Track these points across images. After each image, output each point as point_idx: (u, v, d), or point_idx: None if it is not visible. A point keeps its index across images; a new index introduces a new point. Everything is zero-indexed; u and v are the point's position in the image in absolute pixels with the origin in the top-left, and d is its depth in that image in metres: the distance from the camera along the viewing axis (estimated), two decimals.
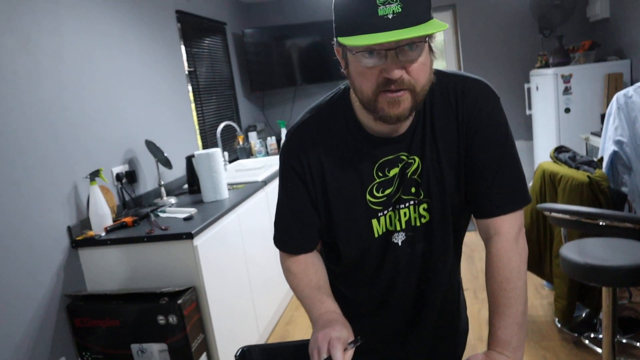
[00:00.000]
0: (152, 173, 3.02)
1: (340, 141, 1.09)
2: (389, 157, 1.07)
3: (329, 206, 1.11)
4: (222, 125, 3.77)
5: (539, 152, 4.72)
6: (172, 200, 2.92)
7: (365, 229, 1.11)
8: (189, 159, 3.10)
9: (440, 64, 5.31)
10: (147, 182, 2.99)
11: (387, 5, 0.85)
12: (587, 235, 2.47)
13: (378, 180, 1.08)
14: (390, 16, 0.85)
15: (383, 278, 1.17)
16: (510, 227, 1.09)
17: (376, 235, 1.12)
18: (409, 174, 1.08)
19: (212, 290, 2.32)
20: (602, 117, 3.74)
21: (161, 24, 3.36)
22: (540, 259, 2.96)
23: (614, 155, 3.02)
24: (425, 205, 1.10)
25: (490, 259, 1.10)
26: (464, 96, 1.07)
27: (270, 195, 3.34)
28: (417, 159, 1.08)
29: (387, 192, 1.09)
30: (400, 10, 0.86)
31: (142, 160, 2.94)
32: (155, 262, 2.27)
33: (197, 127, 3.80)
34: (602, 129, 3.68)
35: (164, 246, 2.25)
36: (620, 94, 3.07)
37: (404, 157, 1.08)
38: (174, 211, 2.63)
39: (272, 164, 3.90)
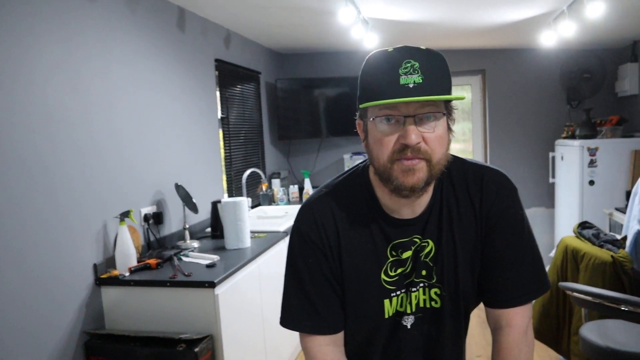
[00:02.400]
0: (177, 215, 3.09)
1: (357, 217, 1.09)
2: (402, 240, 1.08)
3: (342, 283, 1.10)
4: (248, 171, 3.85)
5: (560, 220, 4.70)
6: (195, 244, 2.96)
7: (376, 309, 1.10)
8: (215, 205, 3.16)
9: (466, 126, 5.38)
10: (172, 224, 3.05)
11: (409, 76, 0.91)
12: (607, 316, 2.44)
13: (391, 259, 1.08)
14: (411, 85, 0.91)
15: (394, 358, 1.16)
16: (522, 319, 1.11)
17: (386, 315, 1.11)
18: (422, 256, 1.09)
19: (228, 340, 2.33)
20: (627, 193, 3.74)
21: (200, 70, 3.49)
22: (559, 333, 2.92)
23: (638, 235, 3.01)
24: (437, 290, 1.10)
25: (499, 350, 1.11)
26: (484, 186, 1.09)
27: None
28: (430, 242, 1.08)
29: (399, 271, 1.09)
30: (421, 81, 0.91)
31: (170, 202, 3.01)
32: (175, 307, 2.29)
33: (224, 170, 3.88)
34: (626, 205, 3.67)
35: (186, 292, 2.28)
36: None
37: (417, 240, 1.08)
38: (197, 256, 2.67)
39: (294, 213, 3.93)
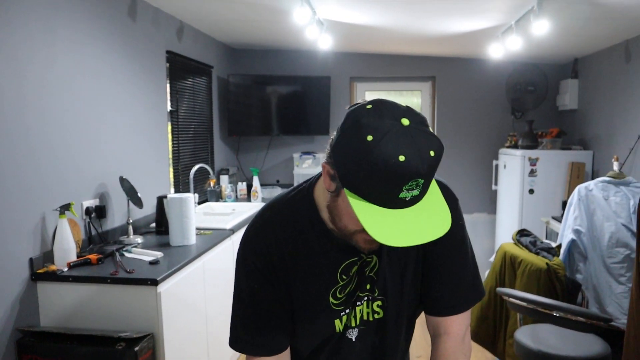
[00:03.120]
0: (121, 209, 3.00)
1: (304, 242, 1.06)
2: (352, 259, 1.07)
3: (291, 306, 1.09)
4: (196, 167, 3.79)
5: (501, 226, 4.87)
6: (139, 239, 2.89)
7: (327, 328, 1.11)
8: (160, 200, 3.09)
9: None
10: (115, 218, 2.96)
11: (410, 191, 0.83)
12: (541, 320, 2.55)
13: (342, 283, 1.08)
14: (407, 199, 0.84)
15: None
16: (459, 327, 1.14)
17: (337, 331, 1.12)
18: (367, 271, 1.09)
19: (169, 338, 2.29)
20: (564, 203, 3.91)
21: (151, 61, 3.41)
22: (495, 336, 3.02)
23: (572, 244, 3.16)
24: (379, 302, 1.11)
25: (436, 357, 1.14)
26: None
27: (236, 244, 3.32)
28: (374, 257, 1.09)
29: (347, 290, 1.09)
30: (418, 193, 0.85)
31: (114, 196, 2.92)
32: (116, 305, 2.23)
33: (171, 165, 3.80)
34: (562, 214, 3.85)
35: (127, 289, 2.22)
36: (582, 187, 3.24)
37: (363, 256, 1.08)
38: (140, 252, 2.60)
39: (242, 210, 3.92)
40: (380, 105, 0.87)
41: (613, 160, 3.38)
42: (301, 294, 1.08)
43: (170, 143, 3.78)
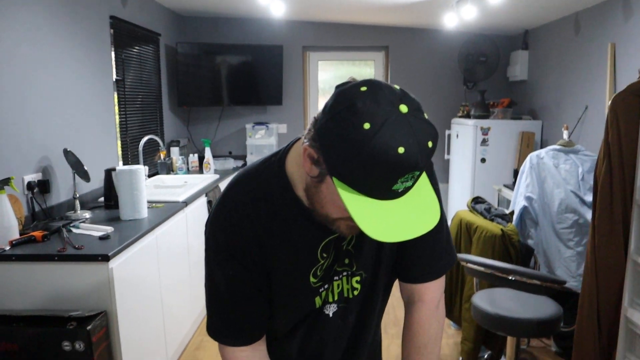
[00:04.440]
0: (67, 183, 2.84)
1: (280, 221, 0.97)
2: (333, 236, 1.00)
3: (270, 287, 1.03)
4: (145, 138, 3.64)
5: (453, 195, 4.96)
6: (87, 214, 2.75)
7: (307, 305, 1.06)
8: (108, 172, 2.95)
9: None
10: (61, 193, 2.80)
11: (404, 183, 0.78)
12: (496, 285, 2.61)
13: (322, 262, 1.02)
14: (400, 190, 0.79)
15: (310, 349, 1.12)
16: (434, 294, 1.13)
17: (317, 306, 1.07)
18: (344, 245, 1.03)
19: (123, 315, 2.20)
20: (515, 171, 4.00)
21: (94, 27, 3.21)
22: (451, 301, 3.08)
23: (524, 210, 3.24)
24: (358, 278, 1.07)
25: (410, 324, 1.13)
26: None
27: (189, 217, 3.24)
28: None
29: (325, 266, 1.03)
30: (410, 185, 0.80)
31: (58, 169, 2.76)
32: (65, 283, 2.11)
33: (118, 137, 3.63)
34: (513, 182, 3.94)
35: (77, 267, 2.11)
36: (533, 155, 3.31)
37: None
38: (89, 227, 2.48)
39: (194, 182, 3.80)
40: (375, 87, 0.78)
41: (563, 129, 3.46)
42: (280, 276, 1.00)
43: (117, 114, 3.60)
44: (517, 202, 3.30)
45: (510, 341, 2.35)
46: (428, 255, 1.09)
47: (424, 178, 0.86)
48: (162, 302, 2.72)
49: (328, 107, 0.80)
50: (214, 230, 1.00)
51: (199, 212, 3.46)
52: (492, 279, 2.40)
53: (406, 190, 0.80)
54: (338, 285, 1.06)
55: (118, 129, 3.62)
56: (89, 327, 1.96)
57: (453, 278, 3.05)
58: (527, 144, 4.26)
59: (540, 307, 2.28)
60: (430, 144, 0.78)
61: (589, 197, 3.18)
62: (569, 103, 3.92)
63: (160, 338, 2.71)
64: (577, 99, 3.79)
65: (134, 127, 3.91)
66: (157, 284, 2.67)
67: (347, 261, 1.04)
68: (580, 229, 3.12)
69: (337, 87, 0.82)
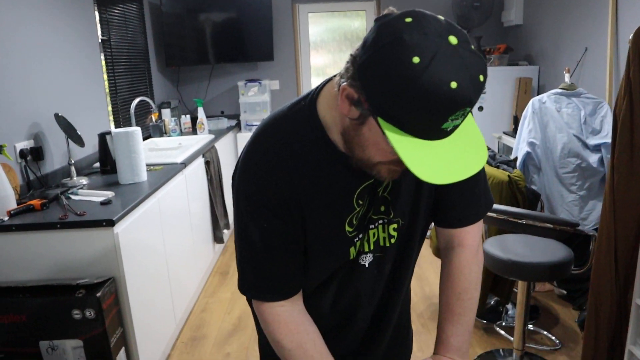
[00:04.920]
0: (60, 150, 2.75)
1: (315, 167, 0.92)
2: (368, 182, 0.95)
3: (305, 240, 0.98)
4: (136, 100, 3.52)
5: None
6: (84, 180, 2.67)
7: (342, 255, 1.01)
8: (103, 136, 2.86)
9: None
10: (55, 160, 2.71)
11: (454, 121, 0.73)
12: (504, 231, 2.59)
13: (357, 210, 0.97)
14: (449, 129, 0.74)
15: (344, 303, 1.09)
16: (474, 238, 1.09)
17: (351, 257, 1.02)
18: (380, 191, 0.98)
19: (131, 281, 2.16)
20: (514, 118, 3.95)
21: None
22: None
23: (527, 156, 3.21)
24: (395, 225, 1.02)
25: (450, 270, 1.09)
26: None
27: (189, 178, 3.17)
28: None
29: (360, 214, 0.99)
30: (459, 122, 0.75)
31: (50, 136, 2.66)
32: (70, 251, 2.06)
33: (109, 101, 3.52)
34: (513, 129, 3.90)
35: (80, 234, 2.04)
36: (535, 100, 3.25)
37: None
38: (88, 194, 2.41)
39: (189, 144, 3.72)
40: (421, 18, 0.72)
41: (565, 72, 3.39)
42: (316, 226, 0.95)
43: (105, 76, 3.47)
44: (520, 148, 3.26)
45: (521, 286, 2.34)
46: (468, 197, 1.05)
47: (469, 116, 0.80)
48: (167, 266, 2.68)
49: (370, 42, 0.73)
50: (244, 180, 0.94)
51: (197, 173, 3.39)
52: (504, 225, 2.38)
53: (454, 129, 0.75)
54: (374, 234, 1.02)
55: (107, 92, 3.50)
56: (98, 294, 1.92)
57: None
58: (525, 90, 4.19)
59: (551, 251, 2.27)
60: (481, 77, 0.72)
61: (591, 141, 3.15)
62: (567, 46, 3.84)
63: (168, 302, 2.69)
64: (576, 41, 3.70)
65: (123, 89, 3.78)
66: (162, 247, 2.62)
67: (383, 208, 1.00)
68: (582, 173, 3.10)
69: (377, 20, 0.76)
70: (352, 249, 1.01)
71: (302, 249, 0.98)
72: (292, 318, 1.00)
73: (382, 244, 1.03)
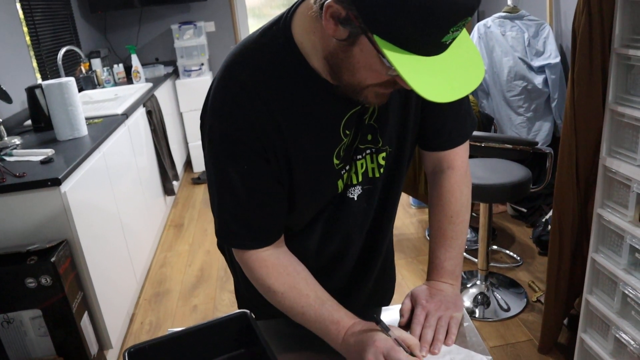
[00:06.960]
0: None
1: (296, 98, 0.84)
2: (355, 109, 0.88)
3: (291, 178, 0.91)
4: (63, 50, 3.24)
5: None
6: (16, 140, 2.44)
7: (329, 190, 0.95)
8: (31, 91, 2.61)
9: None
10: None
11: (454, 33, 0.67)
12: None
13: (345, 140, 0.90)
14: (448, 42, 0.69)
15: (335, 237, 1.03)
16: (463, 159, 1.06)
17: (339, 191, 0.97)
18: (366, 119, 0.92)
19: (86, 242, 2.03)
20: None
21: None
22: (415, 179, 3.09)
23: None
24: (383, 154, 0.97)
25: (441, 193, 1.05)
26: None
27: (132, 130, 2.99)
28: None
29: (346, 144, 0.92)
30: (458, 34, 0.69)
31: None
32: (14, 217, 1.89)
33: (32, 52, 3.22)
34: None
35: (23, 197, 1.88)
36: (481, 24, 3.23)
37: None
38: (24, 153, 2.21)
39: (126, 94, 3.49)
40: None
41: None
42: (302, 162, 0.88)
43: (24, 25, 3.16)
44: None
45: (483, 208, 2.38)
46: (453, 118, 1.00)
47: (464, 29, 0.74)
48: (121, 223, 2.55)
49: None
50: (219, 119, 0.84)
51: (139, 124, 3.20)
52: None
53: (452, 41, 0.69)
54: (362, 164, 0.96)
55: (30, 44, 3.19)
56: (53, 259, 1.79)
57: (415, 154, 3.03)
58: None
59: (510, 172, 2.30)
60: None
61: (535, 63, 3.18)
62: None
63: (126, 260, 2.57)
64: None
65: (46, 39, 3.46)
66: (113, 204, 2.48)
67: (370, 137, 0.93)
68: (529, 95, 3.15)
69: None
70: (339, 182, 0.95)
71: (286, 190, 0.91)
72: (279, 261, 0.94)
73: (370, 175, 0.98)
